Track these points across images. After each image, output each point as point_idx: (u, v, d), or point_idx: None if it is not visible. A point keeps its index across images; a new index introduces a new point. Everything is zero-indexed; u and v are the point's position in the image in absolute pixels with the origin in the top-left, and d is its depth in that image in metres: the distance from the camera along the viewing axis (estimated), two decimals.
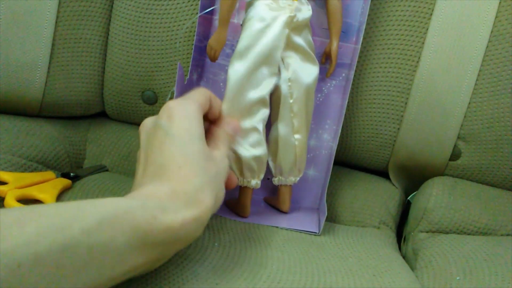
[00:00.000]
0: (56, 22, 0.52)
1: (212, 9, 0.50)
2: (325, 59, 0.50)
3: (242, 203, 0.47)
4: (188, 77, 0.48)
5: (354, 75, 0.51)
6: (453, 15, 0.50)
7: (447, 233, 0.51)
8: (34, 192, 0.43)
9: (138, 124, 0.39)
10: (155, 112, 0.37)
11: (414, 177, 0.58)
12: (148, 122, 0.37)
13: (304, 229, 0.46)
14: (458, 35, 0.50)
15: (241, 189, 0.46)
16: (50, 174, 0.48)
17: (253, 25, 0.42)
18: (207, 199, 0.32)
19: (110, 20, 0.55)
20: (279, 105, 0.45)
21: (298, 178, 0.49)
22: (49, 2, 0.51)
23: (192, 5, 0.52)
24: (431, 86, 0.52)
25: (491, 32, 0.50)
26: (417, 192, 0.57)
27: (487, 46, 0.50)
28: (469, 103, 0.52)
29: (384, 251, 0.46)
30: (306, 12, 0.44)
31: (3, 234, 0.23)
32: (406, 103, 0.53)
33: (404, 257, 0.50)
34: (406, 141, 0.55)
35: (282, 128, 0.46)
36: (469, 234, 0.51)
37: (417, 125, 0.54)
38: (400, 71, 0.53)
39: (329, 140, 0.51)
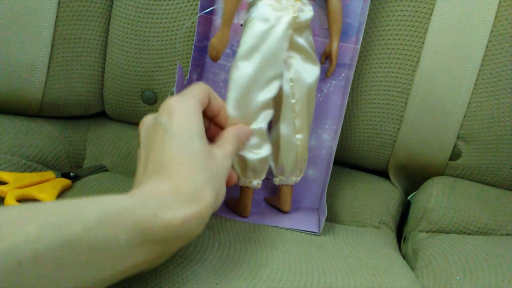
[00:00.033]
0: (55, 22, 0.52)
1: (212, 9, 0.50)
2: (325, 59, 0.50)
3: (243, 203, 0.47)
4: (188, 77, 0.48)
5: (354, 75, 0.51)
6: (452, 15, 0.50)
7: (447, 233, 0.51)
8: (34, 192, 0.43)
9: (138, 124, 0.39)
10: (154, 112, 0.37)
11: (414, 177, 0.58)
12: (148, 120, 0.37)
13: (304, 229, 0.46)
14: (458, 35, 0.50)
15: (242, 189, 0.46)
16: (50, 174, 0.48)
17: (256, 26, 0.42)
18: (208, 196, 0.32)
19: (109, 20, 0.55)
20: (281, 105, 0.45)
21: (299, 178, 0.49)
22: (49, 2, 0.51)
23: (192, 5, 0.52)
24: (431, 86, 0.52)
25: (491, 32, 0.50)
26: (417, 192, 0.57)
27: (487, 46, 0.50)
28: (469, 103, 0.52)
29: (384, 251, 0.46)
30: (308, 12, 0.44)
31: (3, 232, 0.23)
32: (406, 103, 0.53)
33: (404, 257, 0.50)
34: (406, 141, 0.55)
35: (284, 128, 0.46)
36: (469, 234, 0.51)
37: (417, 125, 0.54)
38: (400, 71, 0.53)
39: (329, 140, 0.51)
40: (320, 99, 0.51)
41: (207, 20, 0.50)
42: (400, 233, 0.56)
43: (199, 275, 0.36)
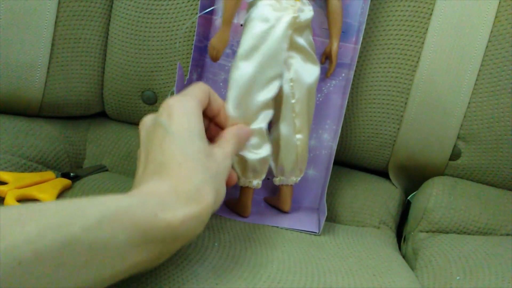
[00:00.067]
0: (55, 22, 0.52)
1: (212, 9, 0.50)
2: (325, 59, 0.50)
3: (243, 203, 0.47)
4: (188, 77, 0.48)
5: (354, 75, 0.51)
6: (452, 15, 0.50)
7: (447, 233, 0.51)
8: (34, 192, 0.43)
9: (138, 124, 0.39)
10: (155, 112, 0.37)
11: (414, 177, 0.58)
12: (147, 120, 0.37)
13: (304, 229, 0.46)
14: (458, 35, 0.50)
15: (242, 189, 0.46)
16: (50, 174, 0.48)
17: (257, 26, 0.42)
18: (208, 196, 0.32)
19: (109, 20, 0.55)
20: (281, 105, 0.45)
21: (299, 178, 0.49)
22: (49, 2, 0.51)
23: (191, 5, 0.52)
24: (431, 86, 0.52)
25: (491, 32, 0.50)
26: (417, 192, 0.57)
27: (486, 46, 0.50)
28: (469, 103, 0.52)
29: (384, 251, 0.46)
30: (308, 12, 0.44)
31: (3, 232, 0.23)
32: (406, 103, 0.53)
33: (404, 257, 0.50)
34: (406, 141, 0.55)
35: (284, 128, 0.46)
36: (469, 234, 0.51)
37: (417, 125, 0.54)
38: (400, 71, 0.53)
39: (329, 140, 0.51)
40: (320, 99, 0.51)
41: (207, 20, 0.50)
42: (400, 233, 0.56)
43: (199, 275, 0.36)
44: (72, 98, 0.56)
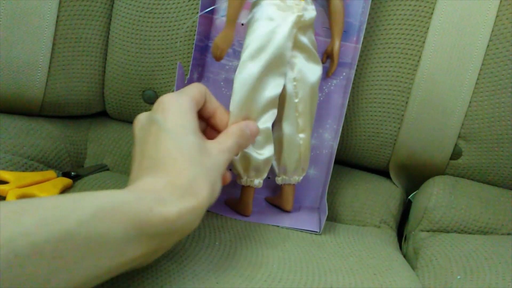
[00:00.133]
0: (56, 22, 0.52)
1: (213, 8, 0.50)
2: (326, 59, 0.50)
3: (244, 202, 0.47)
4: (188, 76, 0.48)
5: (355, 75, 0.51)
6: (453, 15, 0.50)
7: (448, 232, 0.51)
8: (35, 191, 0.43)
9: None
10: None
11: (415, 176, 0.58)
12: (142, 118, 0.37)
13: (305, 228, 0.46)
14: (458, 35, 0.50)
15: (243, 188, 0.46)
16: (51, 173, 0.48)
17: (262, 26, 0.42)
18: (203, 191, 0.33)
19: (110, 20, 0.55)
20: (284, 104, 0.45)
21: (301, 177, 0.49)
22: (50, 2, 0.51)
23: (192, 4, 0.52)
24: (432, 85, 0.52)
25: (492, 31, 0.50)
26: (417, 191, 0.57)
27: (487, 45, 0.50)
28: (470, 102, 0.52)
29: (385, 250, 0.46)
30: (311, 11, 0.44)
31: (0, 225, 0.23)
32: (406, 102, 0.53)
33: (404, 256, 0.50)
34: (407, 140, 0.55)
35: (287, 127, 0.46)
36: (470, 233, 0.51)
37: (418, 124, 0.54)
38: (401, 70, 0.53)
39: (329, 139, 0.51)
40: (321, 98, 0.51)
41: (208, 20, 0.50)
42: (401, 232, 0.56)
43: (200, 273, 0.36)
44: (73, 97, 0.56)
